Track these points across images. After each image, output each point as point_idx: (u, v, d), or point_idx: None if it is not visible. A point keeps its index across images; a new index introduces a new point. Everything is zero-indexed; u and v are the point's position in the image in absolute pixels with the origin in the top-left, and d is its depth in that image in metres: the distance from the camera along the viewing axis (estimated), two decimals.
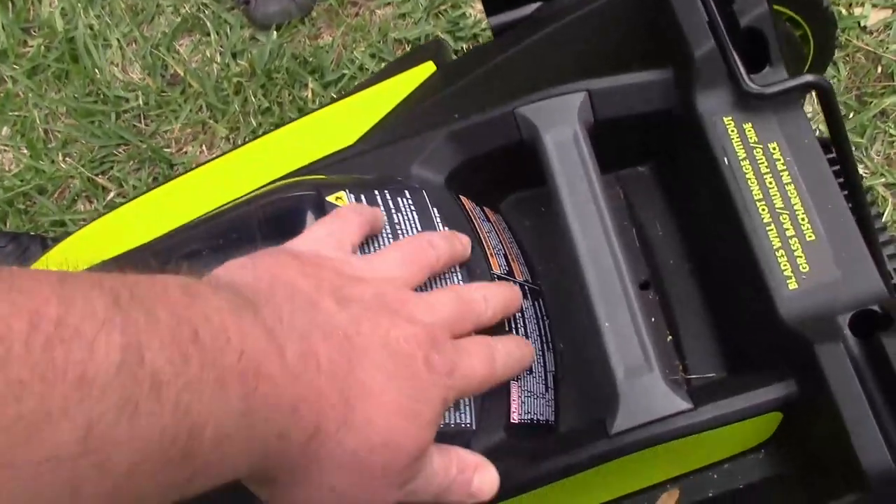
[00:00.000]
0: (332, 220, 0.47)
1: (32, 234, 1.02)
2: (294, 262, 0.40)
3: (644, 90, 0.59)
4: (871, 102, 1.16)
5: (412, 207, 0.55)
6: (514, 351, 0.49)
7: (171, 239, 0.63)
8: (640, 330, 0.51)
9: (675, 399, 0.49)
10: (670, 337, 0.60)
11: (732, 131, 0.55)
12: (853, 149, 1.14)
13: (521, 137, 0.59)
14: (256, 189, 0.67)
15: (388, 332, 0.39)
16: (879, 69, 1.18)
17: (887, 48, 1.19)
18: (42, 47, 1.32)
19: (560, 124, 0.58)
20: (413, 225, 0.54)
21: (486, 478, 0.45)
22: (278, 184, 0.61)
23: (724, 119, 0.55)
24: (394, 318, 0.40)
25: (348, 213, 0.48)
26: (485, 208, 0.63)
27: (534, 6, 0.70)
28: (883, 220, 1.08)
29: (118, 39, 1.31)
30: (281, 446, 0.34)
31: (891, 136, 1.13)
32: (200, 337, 0.30)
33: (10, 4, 1.36)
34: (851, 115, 1.15)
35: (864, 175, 1.12)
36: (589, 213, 0.55)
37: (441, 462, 0.43)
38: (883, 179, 1.10)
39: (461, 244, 0.52)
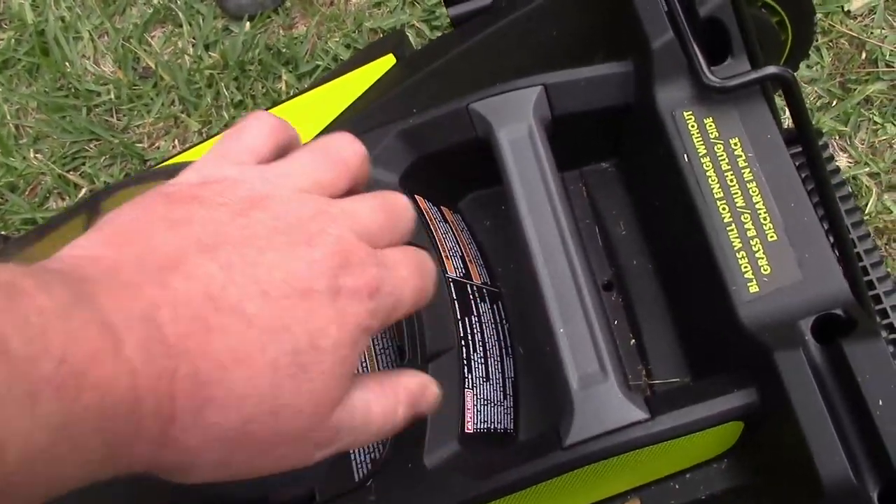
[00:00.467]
0: (231, 132, 0.40)
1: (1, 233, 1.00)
2: (161, 209, 0.35)
3: (603, 84, 0.57)
4: (855, 90, 1.13)
5: None
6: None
7: None
8: (595, 336, 0.49)
9: (631, 408, 0.47)
10: (633, 340, 0.57)
11: (692, 126, 0.53)
12: (837, 137, 1.12)
13: (476, 134, 0.57)
14: None
15: (272, 271, 0.34)
16: (864, 55, 1.15)
17: (871, 33, 1.16)
18: (12, 41, 1.29)
19: (514, 120, 0.56)
20: None
21: (431, 399, 0.42)
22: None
23: (684, 113, 0.53)
24: (289, 247, 0.35)
25: (250, 119, 0.41)
26: (442, 208, 0.60)
27: None
28: (866, 211, 1.06)
29: (89, 31, 1.29)
30: (130, 449, 0.31)
31: (875, 123, 1.11)
32: (11, 347, 0.27)
33: None
34: (835, 102, 1.13)
35: (848, 165, 1.10)
36: (544, 212, 0.53)
37: (379, 405, 0.38)
38: (867, 169, 1.08)
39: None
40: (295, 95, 0.72)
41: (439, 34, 1.21)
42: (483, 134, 0.57)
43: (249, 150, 0.39)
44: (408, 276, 0.38)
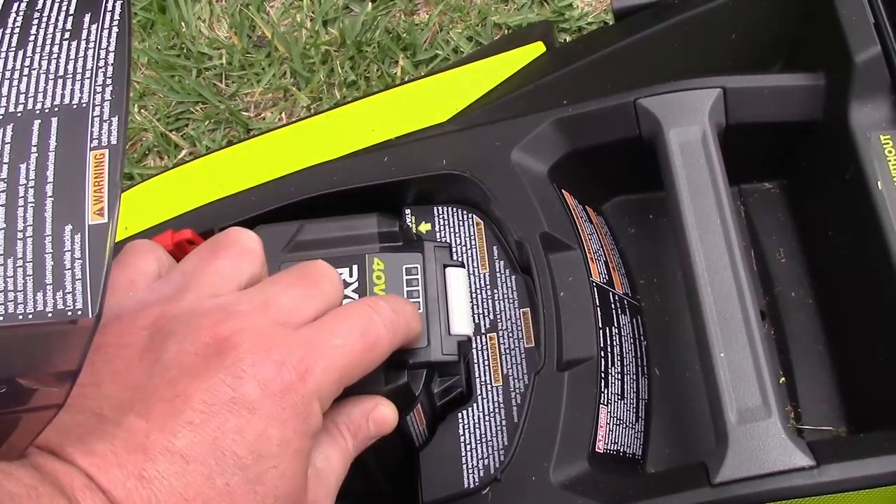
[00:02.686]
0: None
1: None
2: (96, 359, 0.34)
3: (787, 95, 0.52)
4: None
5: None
6: (401, 306, 0.41)
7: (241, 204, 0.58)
8: (760, 367, 0.44)
9: (795, 452, 0.42)
10: (783, 378, 0.52)
11: (890, 151, 0.48)
12: None
13: (640, 133, 0.53)
14: (336, 158, 0.62)
15: (189, 399, 0.33)
16: None
17: None
18: None
19: (687, 122, 0.51)
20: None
21: (380, 416, 0.41)
22: None
23: (882, 136, 0.48)
24: (203, 364, 0.33)
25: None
26: (587, 207, 0.56)
27: None
28: None
29: None
30: None
31: None
32: None
33: None
34: None
35: None
36: (712, 226, 0.48)
37: (335, 454, 0.38)
38: None
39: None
40: (435, 72, 0.68)
41: (567, 37, 1.16)
42: (648, 133, 0.52)
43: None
44: (343, 342, 0.36)
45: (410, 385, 0.46)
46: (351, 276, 0.48)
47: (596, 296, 0.50)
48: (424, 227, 0.55)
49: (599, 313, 0.50)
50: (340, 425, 0.39)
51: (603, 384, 0.48)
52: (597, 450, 0.47)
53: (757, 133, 0.53)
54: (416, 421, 0.48)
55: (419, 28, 1.20)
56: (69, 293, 0.28)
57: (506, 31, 1.19)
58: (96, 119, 0.30)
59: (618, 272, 0.54)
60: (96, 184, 0.29)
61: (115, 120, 0.30)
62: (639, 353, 0.53)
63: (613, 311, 0.51)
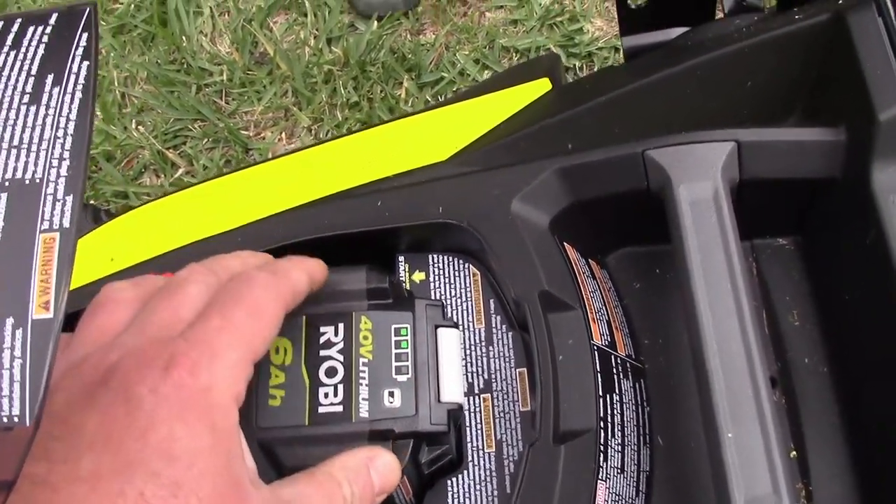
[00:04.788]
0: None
1: (85, 203, 0.95)
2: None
3: (805, 151, 0.49)
4: None
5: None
6: (280, 265, 0.41)
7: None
8: (771, 449, 0.41)
9: None
10: (794, 452, 0.49)
11: None
12: None
13: (648, 186, 0.50)
14: (335, 194, 0.59)
15: (84, 427, 0.32)
16: None
17: None
18: (132, 6, 1.26)
19: (699, 178, 0.48)
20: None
21: (385, 468, 0.40)
22: None
23: None
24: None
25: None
26: (590, 261, 0.53)
27: (677, 31, 0.60)
28: None
29: (211, 8, 1.24)
30: None
31: None
32: None
33: None
34: None
35: None
36: (722, 290, 0.45)
37: (318, 497, 0.37)
38: None
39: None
40: (436, 106, 0.66)
41: (576, 62, 1.13)
42: (657, 187, 0.49)
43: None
44: (222, 321, 0.36)
45: (396, 457, 0.43)
46: (336, 335, 0.45)
47: (597, 360, 0.47)
48: (418, 277, 0.52)
49: (600, 379, 0.47)
50: (334, 472, 0.39)
51: (602, 458, 0.45)
52: None
53: (772, 188, 0.50)
54: (402, 492, 0.45)
55: (425, 49, 1.17)
56: (5, 397, 0.25)
57: (514, 54, 1.16)
58: (49, 197, 0.28)
59: (621, 332, 0.51)
60: (43, 272, 0.27)
61: (69, 199, 0.28)
62: (641, 421, 0.49)
63: (615, 376, 0.48)
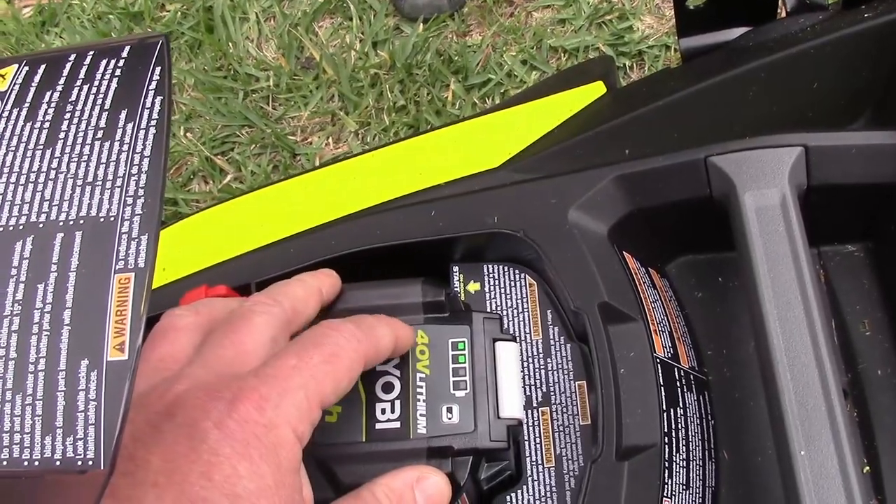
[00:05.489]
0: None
1: None
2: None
3: (878, 154, 0.47)
4: None
5: None
6: (365, 320, 0.41)
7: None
8: (846, 467, 0.40)
9: None
10: (867, 467, 0.47)
11: None
12: None
13: (711, 193, 0.48)
14: (387, 203, 0.59)
15: (155, 460, 0.32)
16: None
17: None
18: (179, 13, 1.26)
19: (765, 184, 0.46)
20: None
21: (432, 489, 0.39)
22: None
23: None
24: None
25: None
26: (650, 270, 0.51)
27: (738, 31, 0.58)
28: None
29: (257, 14, 1.24)
30: None
31: None
32: None
33: None
34: None
35: None
36: (792, 299, 0.43)
37: None
38: None
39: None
40: (488, 111, 0.64)
41: (626, 62, 1.12)
42: (720, 194, 0.48)
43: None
44: (298, 361, 0.35)
45: (455, 474, 0.42)
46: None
47: (660, 373, 0.46)
48: (473, 287, 0.51)
49: (663, 393, 0.45)
50: (378, 494, 0.38)
51: (666, 475, 0.44)
52: None
53: (841, 194, 0.48)
54: None
55: (472, 50, 1.16)
56: (80, 439, 0.25)
57: (562, 54, 1.14)
58: (124, 236, 0.27)
59: (683, 343, 0.50)
60: (118, 314, 0.26)
61: (144, 239, 0.27)
62: (706, 436, 0.48)
63: (679, 390, 0.47)
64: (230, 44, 1.23)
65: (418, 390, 0.44)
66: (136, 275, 0.27)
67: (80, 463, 0.25)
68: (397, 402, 0.43)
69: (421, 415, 0.43)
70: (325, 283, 0.45)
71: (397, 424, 0.43)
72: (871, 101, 0.51)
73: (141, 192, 0.28)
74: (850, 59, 0.51)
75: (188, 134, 1.17)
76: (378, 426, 0.43)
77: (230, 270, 0.58)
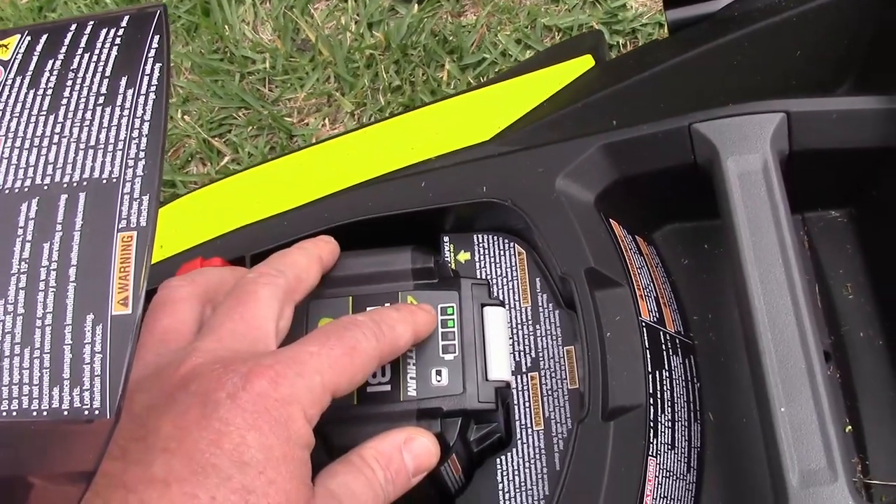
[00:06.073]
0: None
1: None
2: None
3: (858, 120, 0.48)
4: None
5: None
6: (384, 314, 0.41)
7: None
8: (825, 423, 0.41)
9: None
10: (850, 427, 0.48)
11: None
12: None
13: (695, 160, 0.49)
14: (380, 177, 0.60)
15: (160, 426, 0.33)
16: None
17: None
18: None
19: (747, 150, 0.47)
20: None
21: (420, 449, 0.41)
22: None
23: None
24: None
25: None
26: (637, 238, 0.52)
27: (723, 2, 0.59)
28: None
29: None
30: None
31: None
32: None
33: None
34: None
35: None
36: (773, 264, 0.44)
37: (358, 483, 0.38)
38: None
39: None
40: (479, 87, 0.65)
41: (620, 40, 1.12)
42: (704, 161, 0.49)
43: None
44: (318, 348, 0.37)
45: (444, 435, 0.43)
46: None
47: (645, 336, 0.47)
48: (463, 257, 0.52)
49: (649, 356, 0.46)
50: (367, 458, 0.39)
51: (652, 434, 0.45)
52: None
53: (823, 160, 0.49)
54: (451, 469, 0.45)
55: (466, 30, 1.16)
56: (87, 390, 0.26)
57: (556, 33, 1.15)
58: (126, 196, 0.28)
59: (669, 308, 0.51)
60: (122, 270, 0.27)
61: (146, 199, 0.28)
62: (691, 398, 0.49)
63: (664, 353, 0.48)
64: (226, 26, 1.23)
65: (408, 354, 0.45)
66: (139, 233, 0.28)
67: (86, 413, 0.26)
68: (388, 366, 0.44)
69: (411, 378, 0.44)
70: (324, 249, 0.46)
71: (388, 388, 0.44)
72: (853, 69, 0.52)
73: (142, 154, 0.29)
74: (832, 27, 0.52)
75: (185, 116, 1.18)
76: (369, 389, 0.44)
77: (225, 244, 0.59)
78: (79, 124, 0.30)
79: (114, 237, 0.28)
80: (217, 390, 0.33)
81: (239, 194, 0.68)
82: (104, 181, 0.29)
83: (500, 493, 0.46)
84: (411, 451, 0.40)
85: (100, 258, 0.27)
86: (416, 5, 1.18)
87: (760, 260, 0.44)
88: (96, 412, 0.26)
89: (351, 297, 0.46)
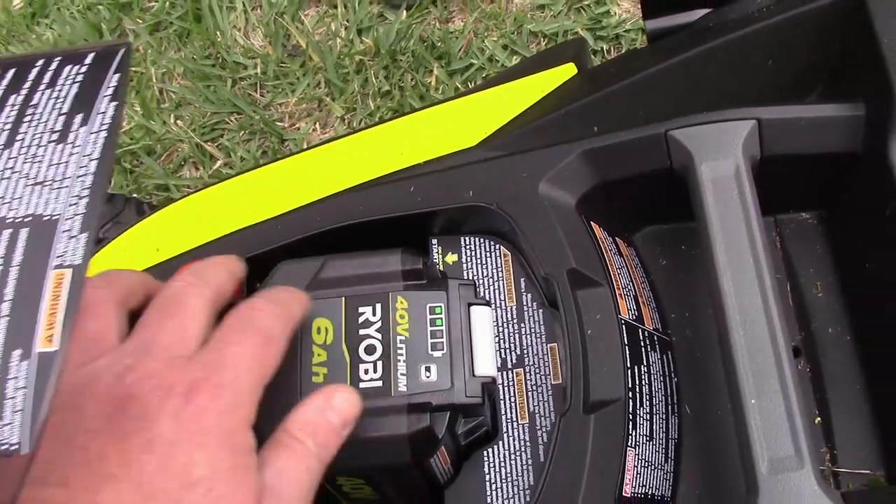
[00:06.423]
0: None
1: (129, 196, 0.99)
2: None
3: (826, 126, 0.50)
4: None
5: None
6: (278, 294, 0.43)
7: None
8: (792, 414, 0.43)
9: None
10: (819, 419, 0.51)
11: None
12: None
13: (671, 165, 0.51)
14: (369, 181, 0.62)
15: (103, 457, 0.33)
16: None
17: None
18: (167, 3, 1.29)
19: (720, 156, 0.49)
20: None
21: (342, 404, 0.41)
22: None
23: None
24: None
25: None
26: (617, 239, 0.55)
27: (700, 13, 0.61)
28: None
29: (244, 3, 1.27)
30: None
31: None
32: None
33: None
34: None
35: None
36: (745, 263, 0.47)
37: (290, 462, 0.38)
38: None
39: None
40: (465, 93, 0.67)
41: (604, 45, 1.15)
42: (679, 166, 0.51)
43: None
44: (239, 347, 0.37)
45: (433, 428, 0.45)
46: (374, 314, 0.48)
47: (624, 333, 0.49)
48: (451, 259, 0.54)
49: (628, 352, 0.49)
50: (293, 431, 0.39)
51: (631, 426, 0.47)
52: (624, 493, 0.46)
53: (793, 164, 0.51)
54: (441, 461, 0.47)
55: (454, 36, 1.19)
56: (7, 424, 0.26)
57: (542, 38, 1.17)
58: (65, 234, 0.29)
59: (648, 307, 0.53)
60: (52, 307, 0.27)
61: (83, 237, 0.29)
62: (669, 391, 0.51)
63: (643, 349, 0.50)
64: (218, 33, 1.25)
65: (398, 351, 0.47)
66: (74, 270, 0.28)
67: (4, 447, 0.26)
68: (379, 363, 0.47)
69: (401, 374, 0.46)
70: (238, 268, 0.45)
71: (379, 383, 0.46)
72: (822, 77, 0.54)
73: (86, 192, 0.29)
74: (801, 37, 0.54)
75: (178, 121, 1.20)
76: (362, 385, 0.46)
77: (220, 248, 0.60)
78: (31, 160, 0.30)
79: (48, 274, 0.28)
80: (159, 413, 0.33)
81: (233, 199, 0.70)
82: (46, 218, 0.29)
83: (487, 483, 0.48)
84: (334, 407, 0.41)
85: (32, 294, 0.28)
86: (405, 12, 1.20)
87: (732, 260, 0.47)
88: (14, 447, 0.26)
89: (343, 298, 0.48)
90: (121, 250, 0.70)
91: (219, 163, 1.17)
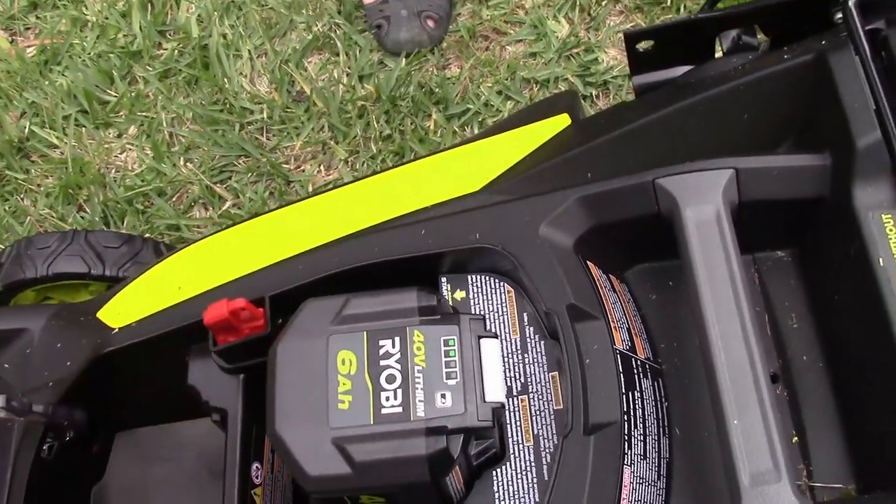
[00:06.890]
0: None
1: (146, 237, 1.03)
2: None
3: (796, 174, 0.56)
4: None
5: None
6: None
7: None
8: (770, 432, 0.48)
9: None
10: (796, 438, 0.56)
11: (891, 230, 0.51)
12: None
13: (659, 210, 0.57)
14: (382, 224, 0.67)
15: None
16: None
17: None
18: (175, 51, 1.34)
19: (702, 201, 0.55)
20: None
21: None
22: None
23: (883, 216, 0.52)
24: None
25: None
26: (611, 277, 0.60)
27: (682, 70, 0.67)
28: None
29: (250, 51, 1.32)
30: None
31: None
32: None
33: (149, 6, 1.39)
34: None
35: None
36: (726, 298, 0.52)
37: None
38: None
39: None
40: (468, 141, 0.73)
41: (593, 91, 1.21)
42: (666, 211, 0.56)
43: None
44: None
45: (449, 449, 0.50)
46: (393, 346, 0.53)
47: (619, 362, 0.54)
48: (459, 295, 0.59)
49: (622, 379, 0.54)
50: None
51: (626, 446, 0.52)
52: None
53: (768, 208, 0.57)
54: (455, 480, 0.52)
55: (451, 82, 1.24)
56: None
57: (534, 85, 1.23)
58: None
59: (640, 338, 0.58)
60: None
61: None
62: (660, 415, 0.56)
63: (636, 376, 0.55)
64: (225, 79, 1.31)
65: (416, 380, 0.52)
66: None
67: None
68: (399, 391, 0.52)
69: (420, 400, 0.51)
70: None
71: (400, 409, 0.51)
72: (792, 130, 0.60)
73: None
74: (773, 93, 0.60)
75: (188, 164, 1.25)
76: (384, 411, 0.51)
77: (245, 286, 0.66)
78: None
79: None
80: None
81: (252, 240, 0.75)
82: None
83: (497, 500, 0.53)
84: None
85: None
86: (404, 59, 1.26)
87: (715, 295, 0.52)
88: None
89: (365, 332, 0.54)
90: (143, 289, 0.75)
91: (227, 203, 1.22)
